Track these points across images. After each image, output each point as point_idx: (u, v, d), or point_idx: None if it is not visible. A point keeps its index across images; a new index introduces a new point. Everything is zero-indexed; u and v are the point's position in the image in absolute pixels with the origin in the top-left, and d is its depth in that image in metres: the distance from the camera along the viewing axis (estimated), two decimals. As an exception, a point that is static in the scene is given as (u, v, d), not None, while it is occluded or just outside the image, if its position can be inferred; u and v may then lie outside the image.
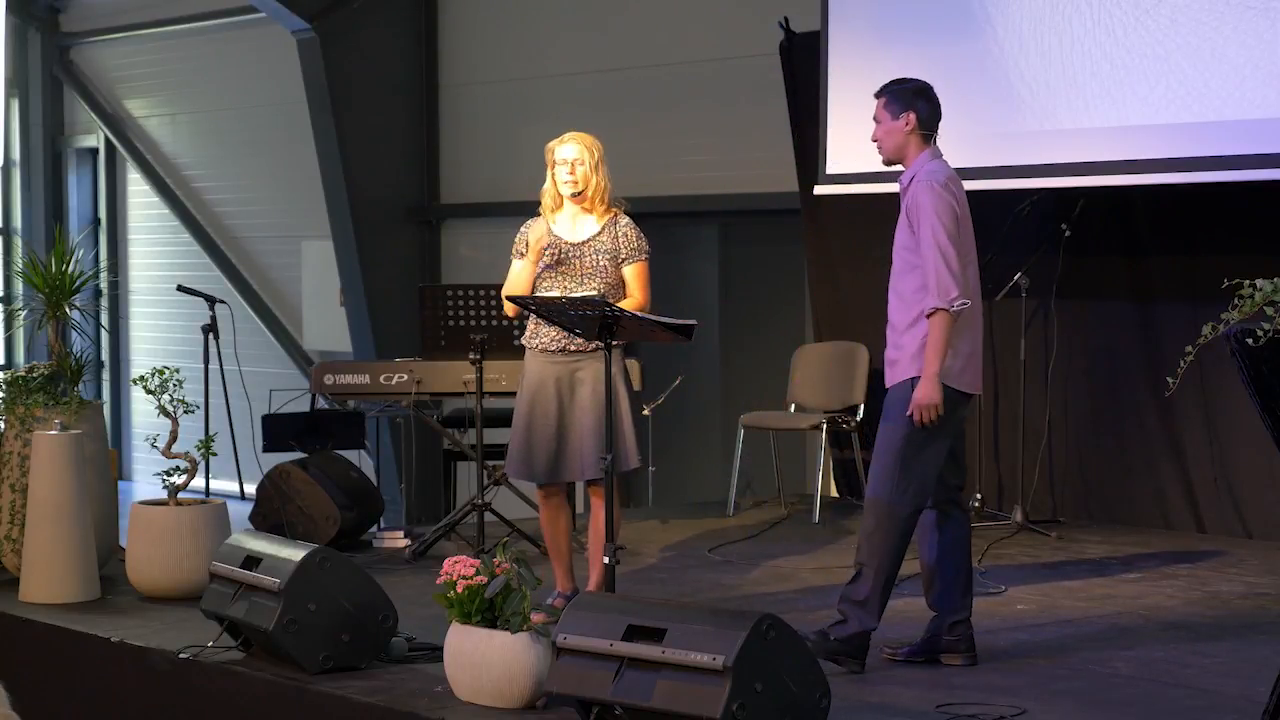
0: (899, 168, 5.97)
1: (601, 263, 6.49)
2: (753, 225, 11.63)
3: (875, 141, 5.92)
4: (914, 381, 5.73)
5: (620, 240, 6.53)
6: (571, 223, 6.58)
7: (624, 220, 6.57)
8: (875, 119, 5.91)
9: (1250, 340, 4.41)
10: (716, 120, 11.21)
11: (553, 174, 6.57)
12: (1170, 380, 4.77)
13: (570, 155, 6.53)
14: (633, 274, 6.53)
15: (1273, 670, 4.83)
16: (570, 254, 6.52)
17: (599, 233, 6.53)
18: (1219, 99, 7.65)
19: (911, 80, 5.96)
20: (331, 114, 12.73)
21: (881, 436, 5.81)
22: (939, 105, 5.90)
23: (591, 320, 5.94)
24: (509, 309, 6.59)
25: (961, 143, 8.47)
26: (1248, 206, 8.05)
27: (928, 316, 5.68)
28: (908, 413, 5.71)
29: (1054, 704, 5.38)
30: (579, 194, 6.52)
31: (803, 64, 9.61)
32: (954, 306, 5.64)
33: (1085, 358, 8.96)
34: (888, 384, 5.85)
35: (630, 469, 6.52)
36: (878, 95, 5.93)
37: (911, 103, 5.85)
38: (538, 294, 6.45)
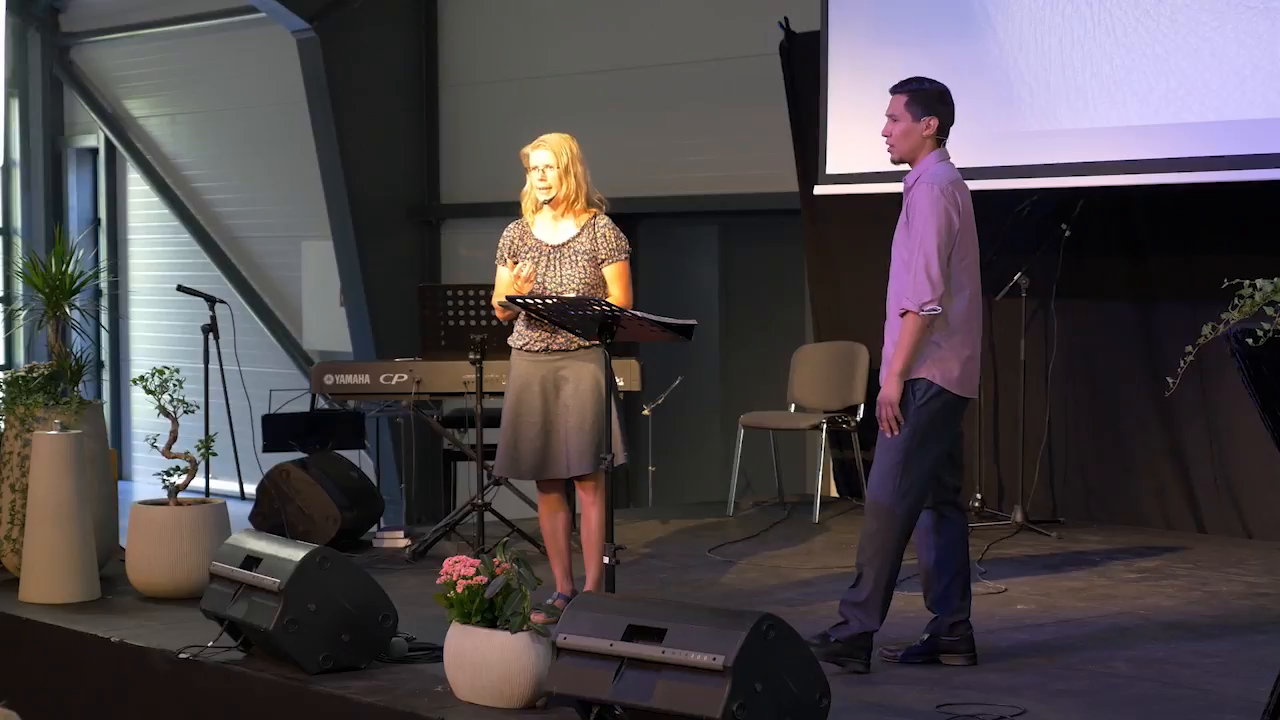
0: (900, 167, 5.97)
1: (581, 264, 6.50)
2: (753, 225, 11.63)
3: (887, 137, 5.87)
4: (914, 383, 5.75)
5: (599, 241, 6.54)
6: (551, 225, 6.59)
7: (602, 221, 6.58)
8: (891, 115, 5.85)
9: (1250, 340, 4.41)
10: (716, 120, 11.21)
11: (529, 179, 6.60)
12: (1170, 380, 4.77)
13: (541, 161, 6.55)
14: (613, 274, 6.54)
15: (1273, 670, 4.83)
16: (551, 256, 6.53)
17: (578, 234, 6.54)
18: (1219, 99, 7.65)
19: (931, 82, 5.92)
20: (331, 114, 12.73)
21: (882, 438, 5.82)
22: (954, 109, 5.90)
23: (591, 320, 5.95)
24: (501, 314, 6.60)
25: (961, 143, 8.44)
26: (1248, 206, 8.05)
27: (900, 315, 5.71)
28: (878, 413, 5.76)
29: (1054, 704, 5.38)
30: (551, 199, 6.54)
31: (803, 64, 9.61)
32: (923, 311, 5.66)
33: (1085, 358, 8.96)
34: (883, 383, 5.86)
35: (617, 465, 6.55)
36: (897, 91, 5.87)
37: (935, 107, 5.83)
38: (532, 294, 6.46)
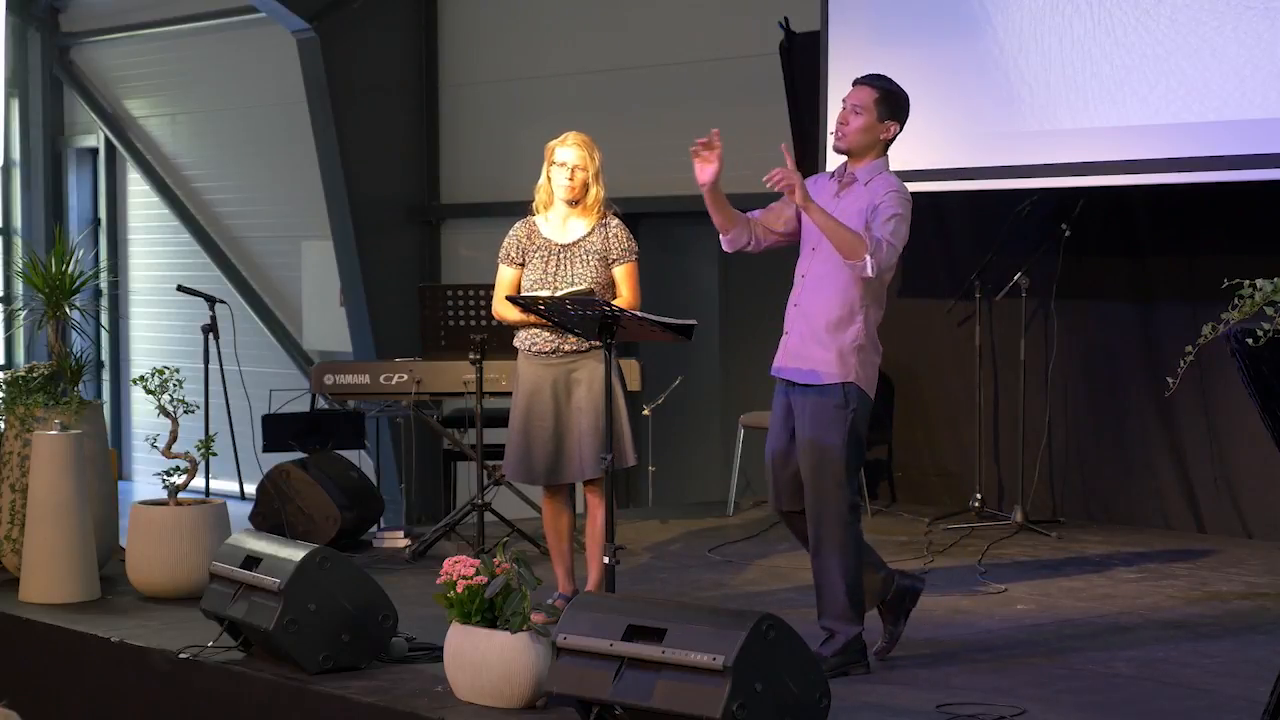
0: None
1: (592, 263, 6.50)
2: (753, 225, 11.61)
3: (842, 126, 5.71)
4: (845, 387, 5.67)
5: (610, 241, 6.53)
6: (561, 224, 6.58)
7: (614, 221, 6.58)
8: (856, 106, 5.71)
9: (1250, 340, 4.41)
10: (716, 120, 11.14)
11: (549, 173, 6.57)
12: (1170, 380, 4.77)
13: (571, 160, 6.51)
14: (623, 274, 6.55)
15: (1273, 670, 4.83)
16: (560, 255, 6.52)
17: (589, 234, 6.54)
18: (1219, 99, 7.65)
19: (900, 88, 5.81)
20: (331, 114, 12.73)
21: (821, 447, 5.69)
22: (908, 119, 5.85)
23: (591, 320, 5.94)
24: (509, 315, 6.56)
25: (962, 143, 8.50)
26: (1248, 206, 8.05)
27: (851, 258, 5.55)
28: (837, 409, 5.66)
29: (1054, 704, 5.38)
30: (574, 201, 6.52)
31: (803, 64, 9.61)
32: (867, 266, 5.50)
33: (1085, 358, 8.96)
34: (804, 381, 5.72)
35: (627, 466, 6.56)
36: (868, 84, 5.74)
37: (899, 114, 5.75)
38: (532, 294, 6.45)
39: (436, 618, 5.63)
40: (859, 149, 5.75)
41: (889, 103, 5.74)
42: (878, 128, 5.73)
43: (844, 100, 5.79)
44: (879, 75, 5.84)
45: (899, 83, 5.87)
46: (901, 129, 5.78)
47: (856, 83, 5.80)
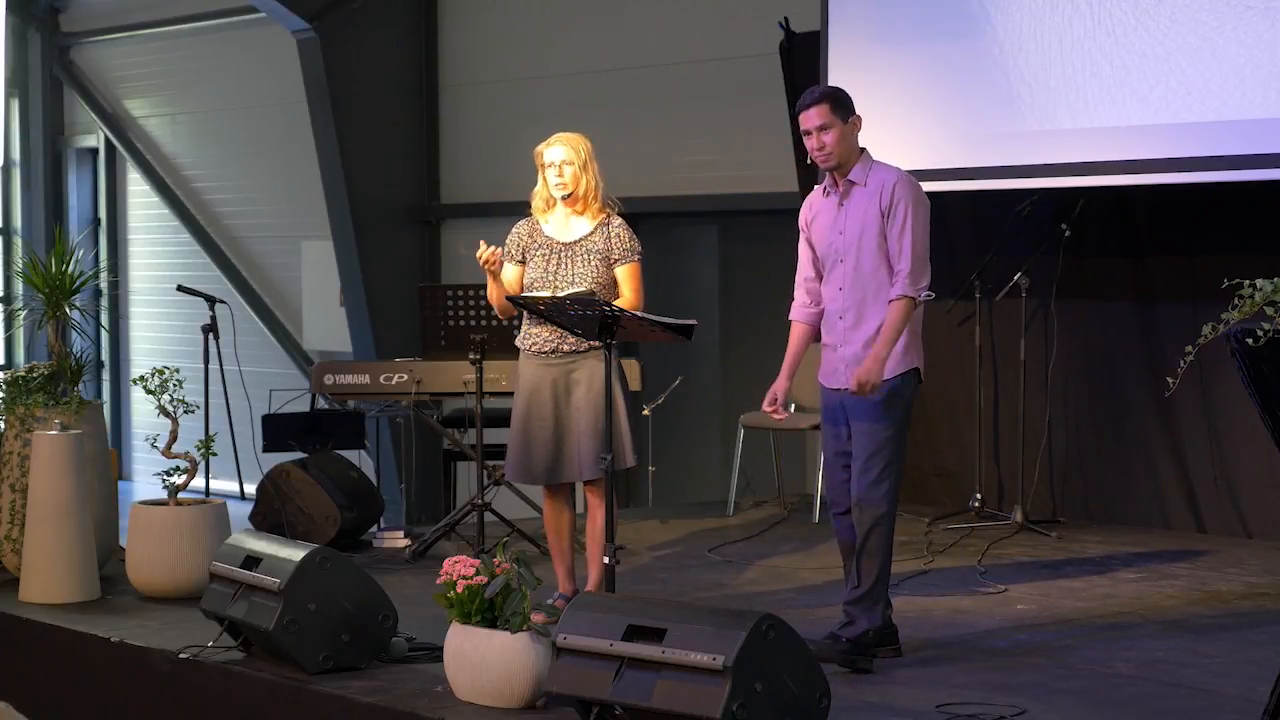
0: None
1: (594, 263, 6.50)
2: (753, 225, 11.63)
3: (822, 149, 5.79)
4: (903, 377, 5.79)
5: (613, 241, 6.53)
6: (564, 223, 6.58)
7: (617, 221, 6.58)
8: (820, 126, 5.79)
9: (1250, 340, 4.41)
10: (716, 120, 11.21)
11: (543, 177, 6.58)
12: (1170, 380, 4.78)
13: (558, 157, 6.53)
14: (625, 274, 6.54)
15: (1273, 670, 4.84)
16: (562, 254, 6.52)
17: (591, 233, 6.54)
18: (1219, 99, 7.65)
19: (833, 86, 5.97)
20: (331, 114, 12.74)
21: (872, 437, 5.79)
22: None
23: (591, 320, 5.94)
24: (506, 311, 6.59)
25: (962, 143, 8.50)
26: (1248, 206, 8.05)
27: (891, 302, 5.75)
28: (888, 405, 5.78)
29: (1054, 704, 5.38)
30: (570, 195, 6.53)
31: (803, 64, 9.61)
32: (920, 296, 5.75)
33: (1085, 358, 8.96)
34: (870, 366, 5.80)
35: (626, 467, 6.56)
36: (814, 104, 5.82)
37: (851, 106, 5.86)
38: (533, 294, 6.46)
39: (436, 618, 5.63)
40: (845, 156, 5.85)
41: (840, 103, 5.85)
42: (848, 129, 5.84)
43: (805, 130, 5.86)
44: (811, 90, 5.96)
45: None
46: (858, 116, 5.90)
47: (802, 109, 5.88)
